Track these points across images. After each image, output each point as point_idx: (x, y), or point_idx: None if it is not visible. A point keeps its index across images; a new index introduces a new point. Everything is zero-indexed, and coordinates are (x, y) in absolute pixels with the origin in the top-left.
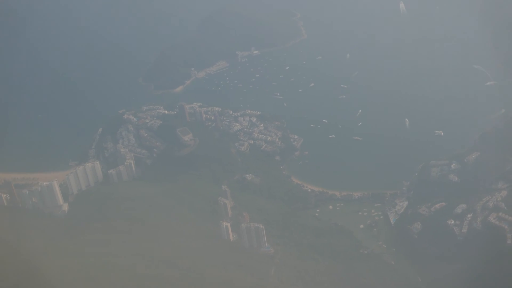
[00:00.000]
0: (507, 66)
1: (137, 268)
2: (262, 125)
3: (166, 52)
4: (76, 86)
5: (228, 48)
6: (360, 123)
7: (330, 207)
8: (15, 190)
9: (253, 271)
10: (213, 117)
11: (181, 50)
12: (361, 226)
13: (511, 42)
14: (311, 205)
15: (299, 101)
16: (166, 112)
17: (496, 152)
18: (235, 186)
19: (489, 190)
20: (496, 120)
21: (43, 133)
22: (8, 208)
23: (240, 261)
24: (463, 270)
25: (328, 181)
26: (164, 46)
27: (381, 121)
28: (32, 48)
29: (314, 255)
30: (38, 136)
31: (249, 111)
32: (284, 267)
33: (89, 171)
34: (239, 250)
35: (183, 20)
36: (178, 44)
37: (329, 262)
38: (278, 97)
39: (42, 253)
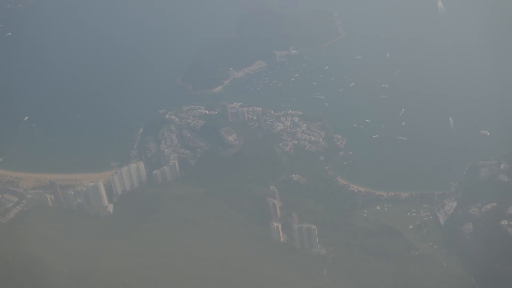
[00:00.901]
0: None
1: (194, 269)
2: (304, 125)
3: (203, 52)
4: (115, 86)
5: (266, 48)
6: (404, 122)
7: (378, 207)
8: (60, 190)
9: (306, 272)
10: (255, 117)
11: (218, 50)
12: (410, 226)
13: None
14: (358, 205)
15: (340, 100)
16: (207, 112)
17: None
18: (281, 186)
19: None
20: None
21: (83, 134)
22: (53, 208)
23: (293, 262)
24: None
25: (374, 181)
26: (202, 46)
27: (425, 120)
28: (72, 48)
29: (365, 256)
30: (79, 137)
31: (290, 111)
32: (336, 268)
33: (133, 172)
34: (291, 250)
35: (219, 20)
36: (216, 44)
37: (380, 263)
38: (319, 96)
39: (96, 254)
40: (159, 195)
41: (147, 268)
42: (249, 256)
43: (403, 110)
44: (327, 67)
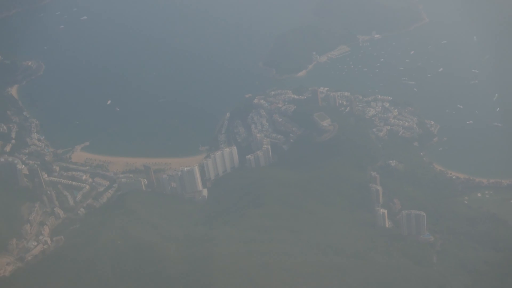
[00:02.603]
0: None
1: (308, 256)
2: (396, 110)
3: (285, 37)
4: (198, 70)
5: (348, 32)
6: (498, 108)
7: (479, 194)
8: (153, 175)
9: (416, 259)
10: (345, 102)
11: (300, 34)
12: None
13: None
14: (458, 192)
15: (429, 86)
16: (295, 96)
17: None
18: (379, 172)
19: None
20: None
21: (167, 118)
22: (147, 193)
23: (402, 249)
24: None
25: (472, 167)
26: (282, 31)
27: None
28: (152, 32)
29: (472, 244)
30: (163, 121)
31: (380, 96)
32: (445, 256)
33: (226, 156)
34: (399, 237)
35: (297, 4)
36: (296, 28)
37: (488, 252)
38: (408, 82)
39: (207, 240)
40: (258, 180)
41: (261, 254)
42: (358, 242)
43: (497, 95)
44: (412, 52)
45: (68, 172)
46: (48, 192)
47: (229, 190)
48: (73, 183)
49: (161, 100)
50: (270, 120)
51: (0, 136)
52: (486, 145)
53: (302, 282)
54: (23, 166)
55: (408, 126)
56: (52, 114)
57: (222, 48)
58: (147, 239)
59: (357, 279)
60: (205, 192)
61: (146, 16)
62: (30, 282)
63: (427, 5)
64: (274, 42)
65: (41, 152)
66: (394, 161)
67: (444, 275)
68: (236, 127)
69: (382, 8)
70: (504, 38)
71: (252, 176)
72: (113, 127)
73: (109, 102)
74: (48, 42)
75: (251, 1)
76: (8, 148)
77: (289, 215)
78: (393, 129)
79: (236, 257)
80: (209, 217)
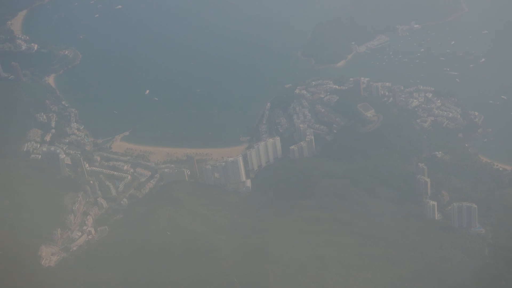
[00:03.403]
0: None
1: (361, 248)
2: (439, 101)
3: (323, 26)
4: (235, 61)
5: (387, 22)
6: None
7: None
8: (197, 165)
9: (469, 252)
10: (387, 93)
11: (337, 24)
12: None
13: None
14: (505, 184)
15: (471, 76)
16: (337, 87)
17: None
18: (425, 163)
19: None
20: None
21: (205, 108)
22: (191, 183)
23: (453, 241)
24: None
25: None
26: (320, 20)
27: None
28: (188, 22)
29: None
30: (201, 111)
31: (422, 87)
32: (498, 248)
33: (270, 147)
34: (449, 229)
35: None
36: (334, 17)
37: None
38: (450, 72)
39: (259, 231)
40: (305, 171)
41: (315, 245)
42: (409, 234)
43: None
44: (453, 42)
45: (109, 162)
46: (91, 182)
47: (274, 181)
48: (115, 173)
49: (199, 90)
50: (312, 111)
51: (40, 125)
52: None
53: (357, 274)
54: (65, 155)
55: (452, 117)
56: (90, 103)
57: (259, 39)
58: (196, 229)
59: (411, 271)
60: (248, 183)
61: (183, 5)
62: (77, 272)
63: None
64: (312, 32)
65: (81, 141)
66: (440, 152)
67: (497, 268)
68: (277, 117)
69: None
70: None
71: (297, 167)
72: (152, 117)
73: (147, 92)
74: (83, 31)
75: None
76: (48, 138)
77: (339, 206)
78: (437, 120)
79: (290, 249)
80: (255, 208)
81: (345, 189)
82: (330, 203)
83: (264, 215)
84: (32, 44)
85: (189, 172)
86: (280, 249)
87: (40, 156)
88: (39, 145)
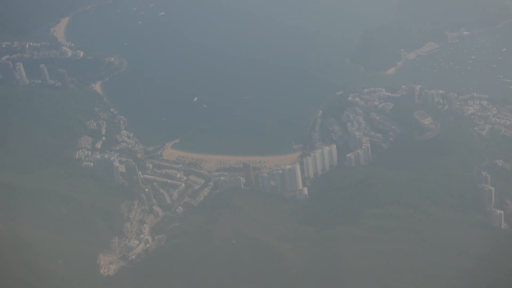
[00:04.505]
0: None
1: (432, 256)
2: (494, 108)
3: (371, 33)
4: (283, 68)
5: (435, 29)
6: None
7: None
8: (252, 173)
9: None
10: (441, 100)
11: (386, 30)
12: None
13: None
14: None
15: None
16: (389, 94)
17: None
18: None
19: None
20: None
21: (255, 116)
22: (247, 191)
23: None
24: None
25: None
26: (368, 27)
27: None
28: (236, 32)
29: None
30: (251, 119)
31: (475, 94)
32: None
33: (326, 155)
34: None
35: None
36: (382, 24)
37: None
38: (504, 80)
39: (324, 240)
40: (366, 179)
41: (387, 254)
42: (478, 244)
43: None
44: (504, 49)
45: (161, 170)
46: (146, 190)
47: (333, 189)
48: (168, 181)
49: (247, 97)
50: (367, 118)
51: (90, 132)
52: None
53: (432, 284)
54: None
55: (509, 125)
56: (138, 110)
57: (307, 46)
58: (261, 238)
59: (485, 281)
60: (305, 190)
61: (225, 15)
62: (138, 281)
63: None
64: (360, 38)
65: (132, 149)
66: (500, 160)
67: None
68: (330, 125)
69: (469, 4)
70: None
71: (356, 175)
72: (201, 124)
73: (195, 99)
74: (127, 38)
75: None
76: (99, 145)
77: (405, 214)
78: (494, 128)
79: (362, 258)
80: (315, 216)
81: (410, 197)
82: (395, 212)
83: (327, 224)
84: (78, 51)
85: (244, 180)
86: (353, 259)
87: (92, 164)
88: (90, 153)
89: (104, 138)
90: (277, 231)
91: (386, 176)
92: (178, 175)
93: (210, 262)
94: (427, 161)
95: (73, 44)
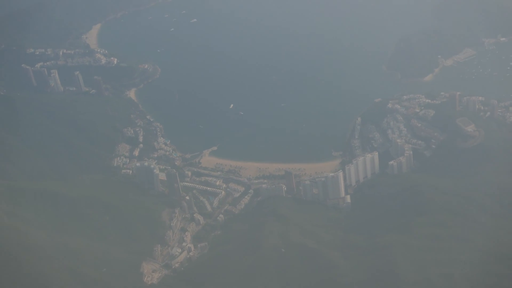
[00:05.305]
0: None
1: (486, 265)
2: None
3: (407, 40)
4: (318, 75)
5: (471, 35)
6: None
7: None
8: (294, 180)
9: None
10: (482, 107)
11: (423, 37)
12: None
13: None
14: None
15: None
16: (429, 101)
17: None
18: None
19: None
20: None
21: (292, 123)
22: (289, 199)
23: None
24: None
25: None
26: (403, 33)
27: None
28: (271, 39)
29: None
30: (287, 126)
31: None
32: None
33: (368, 162)
34: None
35: (416, 6)
36: (418, 31)
37: None
38: None
39: (380, 248)
40: (412, 187)
41: (442, 264)
42: None
43: None
44: None
45: (200, 178)
46: (187, 197)
47: (377, 196)
48: (208, 188)
49: (283, 104)
50: (408, 125)
51: (128, 140)
52: None
53: None
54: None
55: None
56: (173, 117)
57: (343, 54)
58: (310, 246)
59: None
60: (348, 198)
61: (259, 22)
62: None
63: None
64: (396, 45)
65: (169, 156)
66: None
67: None
68: (370, 132)
69: (505, 9)
70: None
71: (400, 183)
72: (238, 132)
73: (231, 106)
74: (159, 45)
75: (366, 5)
76: (136, 153)
77: (455, 223)
78: None
79: (418, 267)
80: (360, 224)
81: (459, 206)
82: (445, 220)
83: (375, 232)
84: (112, 58)
85: (285, 188)
86: (409, 268)
87: (131, 171)
88: (128, 160)
89: (141, 145)
90: (324, 239)
91: (432, 184)
92: (218, 183)
93: (260, 271)
94: (472, 168)
95: (106, 51)
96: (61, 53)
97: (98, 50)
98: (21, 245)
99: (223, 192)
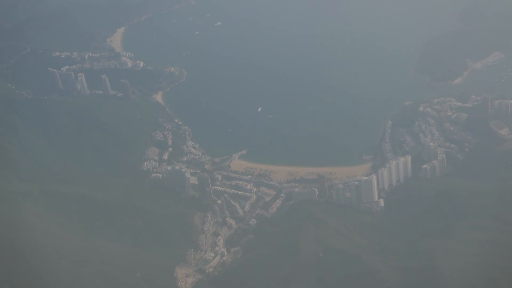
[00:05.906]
0: None
1: None
2: None
3: (435, 43)
4: (345, 78)
5: (499, 38)
6: None
7: None
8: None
9: None
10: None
11: (451, 39)
12: None
13: None
14: None
15: None
16: (461, 104)
17: None
18: None
19: None
20: None
21: (320, 126)
22: (321, 203)
23: None
24: None
25: None
26: (430, 36)
27: None
28: (300, 42)
29: None
30: (316, 129)
31: None
32: None
33: (401, 166)
34: None
35: (442, 9)
36: (446, 34)
37: None
38: None
39: (421, 253)
40: (448, 191)
41: (486, 268)
42: None
43: None
44: None
45: (231, 182)
46: (219, 201)
47: (411, 200)
48: (239, 192)
49: (312, 108)
50: (440, 129)
51: (157, 143)
52: None
53: None
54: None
55: None
56: (201, 121)
57: (371, 57)
58: (348, 250)
59: None
60: (382, 202)
61: (288, 22)
62: None
63: None
64: (423, 48)
65: (199, 160)
66: None
67: None
68: (401, 135)
69: None
70: None
71: (435, 187)
72: (268, 135)
73: (259, 109)
74: (185, 49)
75: (393, 7)
76: (166, 156)
77: (494, 227)
78: None
79: (462, 272)
80: (397, 228)
81: (497, 210)
82: (484, 224)
83: (413, 236)
84: (138, 61)
85: (317, 192)
86: (453, 273)
87: (161, 175)
88: (158, 164)
89: (170, 149)
90: (360, 243)
91: (468, 187)
92: (249, 187)
93: (298, 276)
94: (508, 172)
95: (132, 55)
96: (86, 57)
97: (124, 54)
98: (56, 249)
99: (254, 196)
